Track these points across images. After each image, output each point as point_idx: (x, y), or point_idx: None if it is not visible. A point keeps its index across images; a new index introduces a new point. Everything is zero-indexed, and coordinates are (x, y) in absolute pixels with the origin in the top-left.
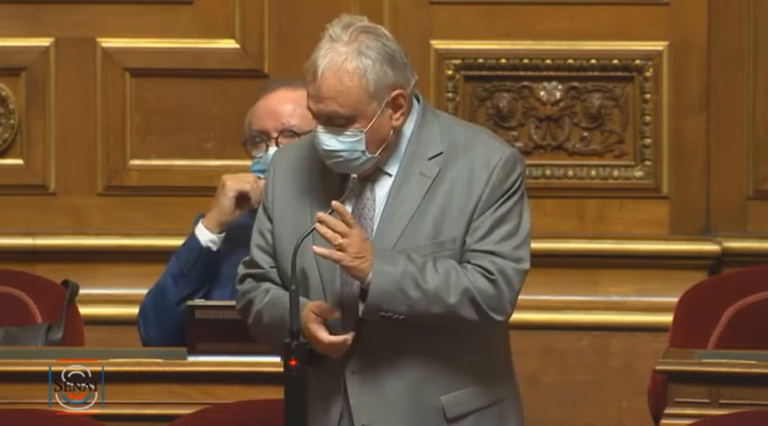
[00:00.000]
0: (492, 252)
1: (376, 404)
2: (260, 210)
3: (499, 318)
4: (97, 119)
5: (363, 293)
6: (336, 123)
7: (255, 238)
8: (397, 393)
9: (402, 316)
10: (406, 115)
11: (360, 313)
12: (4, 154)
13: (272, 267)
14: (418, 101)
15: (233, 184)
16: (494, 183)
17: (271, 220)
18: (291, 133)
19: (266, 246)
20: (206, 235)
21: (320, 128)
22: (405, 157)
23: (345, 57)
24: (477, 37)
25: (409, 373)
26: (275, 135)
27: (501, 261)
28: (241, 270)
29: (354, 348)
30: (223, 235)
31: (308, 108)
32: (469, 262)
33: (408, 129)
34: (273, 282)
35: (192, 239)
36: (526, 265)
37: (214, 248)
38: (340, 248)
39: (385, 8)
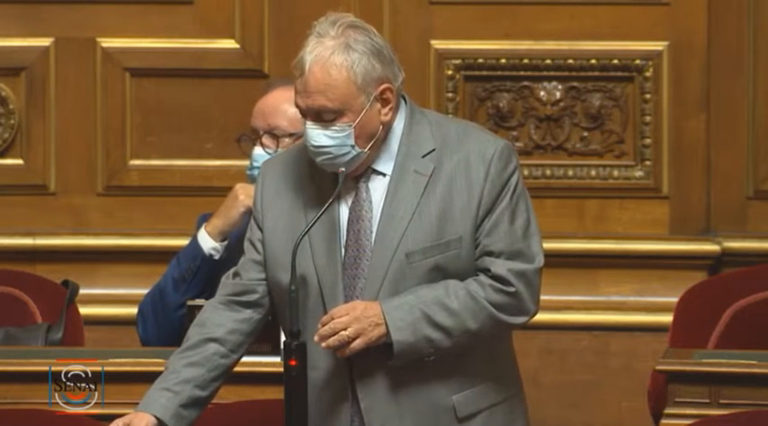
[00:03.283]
0: (508, 256)
1: (387, 407)
2: (251, 221)
3: (524, 320)
4: (97, 119)
5: (385, 345)
6: (325, 118)
7: (246, 248)
8: (408, 394)
9: (431, 357)
10: (395, 111)
11: (389, 364)
12: (4, 154)
13: (260, 280)
14: (405, 100)
15: (245, 200)
16: (492, 177)
17: (261, 229)
18: (276, 134)
19: (257, 257)
20: (209, 243)
21: (309, 124)
22: (398, 156)
23: (333, 50)
24: (477, 37)
25: (420, 373)
26: (261, 133)
27: (519, 265)
28: (224, 280)
29: (362, 352)
30: (226, 242)
31: (296, 104)
32: (487, 270)
33: (399, 128)
34: (253, 294)
35: (195, 245)
36: (542, 259)
37: (216, 256)
38: (351, 339)
39: (385, 8)
